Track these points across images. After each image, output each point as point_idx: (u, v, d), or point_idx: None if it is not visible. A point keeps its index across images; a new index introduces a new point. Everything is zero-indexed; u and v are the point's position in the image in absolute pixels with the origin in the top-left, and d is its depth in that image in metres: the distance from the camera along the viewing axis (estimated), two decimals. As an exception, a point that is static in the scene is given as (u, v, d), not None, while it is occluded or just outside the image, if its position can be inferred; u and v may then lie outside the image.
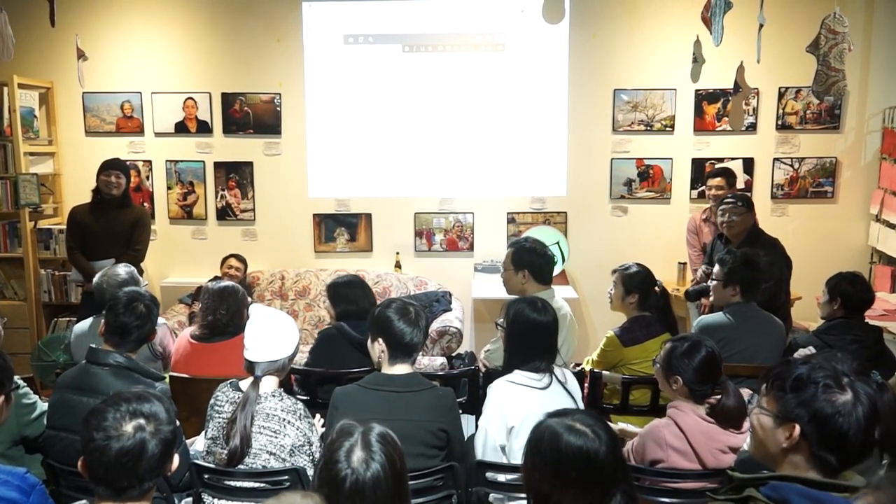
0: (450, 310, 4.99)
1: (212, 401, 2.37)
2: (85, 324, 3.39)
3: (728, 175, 4.61)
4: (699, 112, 5.28)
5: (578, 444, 1.52)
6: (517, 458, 2.39)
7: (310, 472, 2.22)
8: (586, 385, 3.08)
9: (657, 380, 2.50)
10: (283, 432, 2.23)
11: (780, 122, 5.26)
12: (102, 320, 2.72)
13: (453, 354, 4.65)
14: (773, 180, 5.32)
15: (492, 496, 2.32)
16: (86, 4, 5.34)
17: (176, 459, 1.67)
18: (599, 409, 3.00)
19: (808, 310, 4.72)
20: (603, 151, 5.38)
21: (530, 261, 3.29)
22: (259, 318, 2.35)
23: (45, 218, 5.42)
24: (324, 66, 5.42)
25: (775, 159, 5.30)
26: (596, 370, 3.13)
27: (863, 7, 5.10)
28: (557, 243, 5.30)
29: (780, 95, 5.22)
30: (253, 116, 5.47)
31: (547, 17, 4.38)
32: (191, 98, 5.45)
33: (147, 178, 5.54)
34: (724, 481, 1.58)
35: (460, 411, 2.62)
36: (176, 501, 2.38)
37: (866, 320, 3.36)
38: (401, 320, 2.40)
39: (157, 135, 5.51)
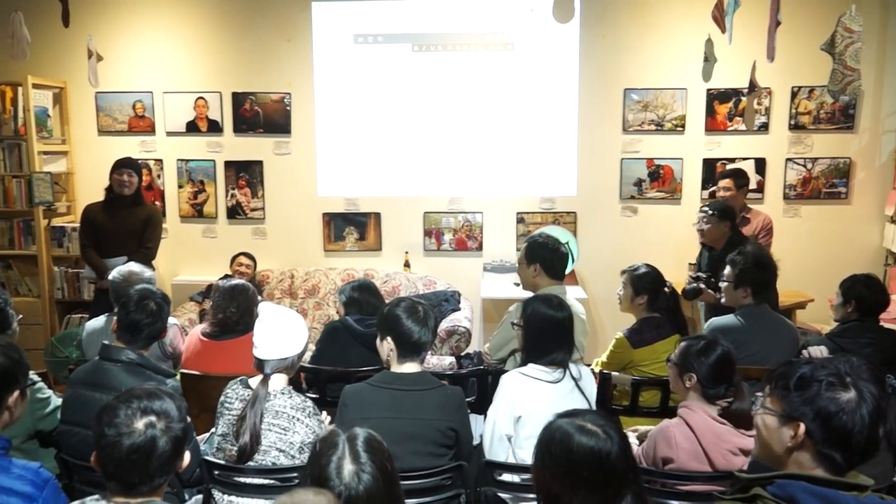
0: (458, 309, 4.99)
1: (222, 398, 2.38)
2: (98, 321, 3.42)
3: (738, 176, 4.56)
4: (710, 112, 5.25)
5: (590, 444, 1.52)
6: (523, 448, 2.40)
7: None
8: (595, 386, 3.06)
9: (670, 379, 2.50)
10: (292, 429, 2.24)
11: (792, 122, 5.23)
12: (115, 317, 2.74)
13: (462, 354, 4.65)
14: (785, 181, 5.28)
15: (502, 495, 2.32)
16: (99, 5, 5.38)
17: (187, 457, 1.67)
18: (609, 411, 2.99)
19: (820, 312, 4.69)
20: (613, 151, 5.37)
21: (543, 255, 3.31)
22: (268, 317, 2.36)
23: (58, 216, 5.46)
24: (333, 65, 5.43)
25: (788, 159, 5.26)
26: (605, 371, 3.12)
27: (878, 5, 5.06)
28: (567, 243, 5.25)
29: (793, 95, 5.19)
30: (263, 116, 5.49)
31: (557, 16, 4.36)
32: (201, 97, 5.48)
33: (158, 176, 5.58)
34: (733, 483, 1.57)
35: (469, 411, 2.62)
36: (186, 497, 2.39)
37: (881, 323, 3.32)
38: (409, 319, 2.42)
39: (169, 134, 5.54)
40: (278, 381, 2.34)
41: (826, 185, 5.26)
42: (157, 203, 5.48)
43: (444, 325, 4.70)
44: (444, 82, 5.41)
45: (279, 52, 5.42)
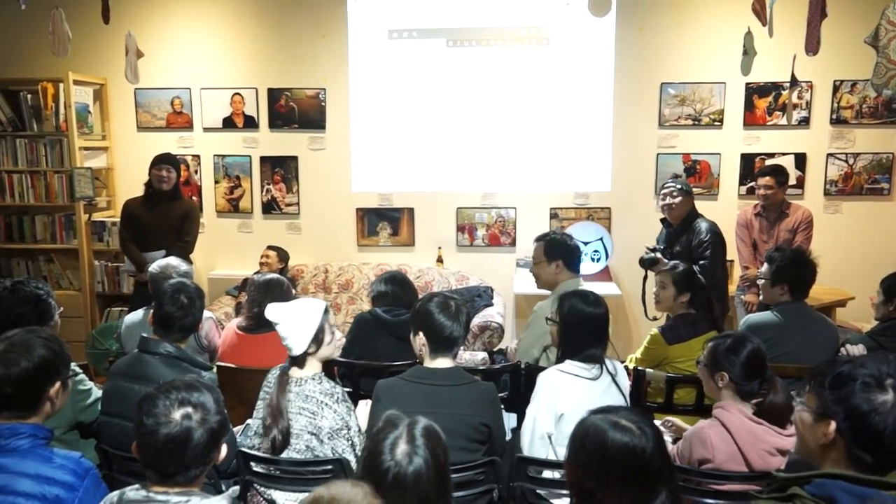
0: (491, 305, 4.98)
1: (263, 383, 2.45)
2: (136, 314, 3.48)
3: (778, 174, 4.48)
4: (749, 106, 5.16)
5: (624, 440, 1.51)
6: (563, 446, 2.38)
7: (349, 457, 2.26)
8: (630, 383, 3.04)
9: (702, 380, 2.46)
10: (320, 414, 2.28)
11: (834, 117, 5.11)
12: (152, 311, 2.79)
13: (495, 350, 4.64)
14: (826, 176, 5.16)
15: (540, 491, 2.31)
16: (138, 2, 5.47)
17: (224, 449, 1.70)
18: (643, 408, 2.96)
19: (861, 310, 4.57)
20: (649, 146, 5.30)
21: (563, 251, 3.31)
22: (277, 319, 2.39)
23: (98, 211, 5.57)
24: (368, 61, 5.46)
25: (829, 155, 5.14)
26: (640, 368, 3.09)
27: (924, -4, 4.91)
28: (601, 239, 5.24)
29: (835, 89, 5.07)
30: (298, 111, 5.54)
31: (593, 10, 4.32)
32: (238, 94, 5.55)
33: (196, 172, 5.66)
34: (770, 482, 1.55)
35: (502, 406, 2.62)
36: (224, 488, 2.43)
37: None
38: (441, 314, 2.42)
39: (206, 130, 5.62)
40: (312, 367, 2.38)
41: (868, 181, 5.14)
42: (194, 198, 5.56)
43: (477, 320, 4.69)
44: (478, 77, 5.39)
45: (314, 48, 5.46)
